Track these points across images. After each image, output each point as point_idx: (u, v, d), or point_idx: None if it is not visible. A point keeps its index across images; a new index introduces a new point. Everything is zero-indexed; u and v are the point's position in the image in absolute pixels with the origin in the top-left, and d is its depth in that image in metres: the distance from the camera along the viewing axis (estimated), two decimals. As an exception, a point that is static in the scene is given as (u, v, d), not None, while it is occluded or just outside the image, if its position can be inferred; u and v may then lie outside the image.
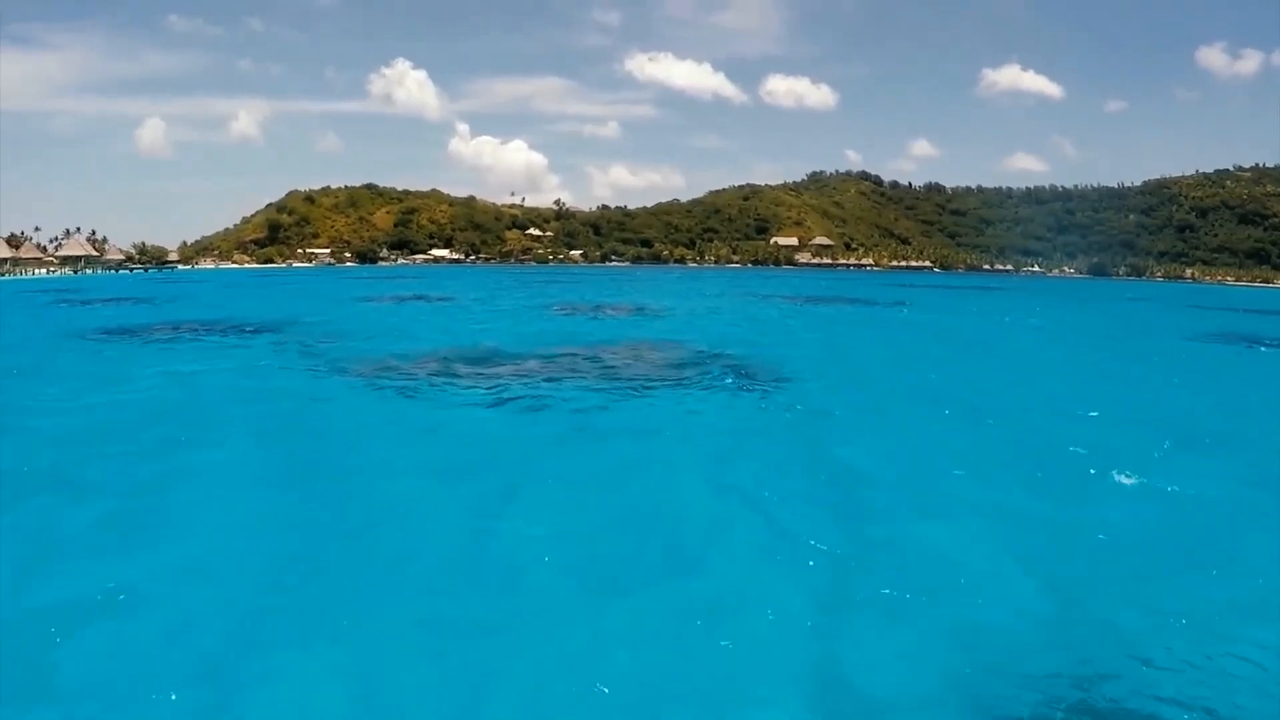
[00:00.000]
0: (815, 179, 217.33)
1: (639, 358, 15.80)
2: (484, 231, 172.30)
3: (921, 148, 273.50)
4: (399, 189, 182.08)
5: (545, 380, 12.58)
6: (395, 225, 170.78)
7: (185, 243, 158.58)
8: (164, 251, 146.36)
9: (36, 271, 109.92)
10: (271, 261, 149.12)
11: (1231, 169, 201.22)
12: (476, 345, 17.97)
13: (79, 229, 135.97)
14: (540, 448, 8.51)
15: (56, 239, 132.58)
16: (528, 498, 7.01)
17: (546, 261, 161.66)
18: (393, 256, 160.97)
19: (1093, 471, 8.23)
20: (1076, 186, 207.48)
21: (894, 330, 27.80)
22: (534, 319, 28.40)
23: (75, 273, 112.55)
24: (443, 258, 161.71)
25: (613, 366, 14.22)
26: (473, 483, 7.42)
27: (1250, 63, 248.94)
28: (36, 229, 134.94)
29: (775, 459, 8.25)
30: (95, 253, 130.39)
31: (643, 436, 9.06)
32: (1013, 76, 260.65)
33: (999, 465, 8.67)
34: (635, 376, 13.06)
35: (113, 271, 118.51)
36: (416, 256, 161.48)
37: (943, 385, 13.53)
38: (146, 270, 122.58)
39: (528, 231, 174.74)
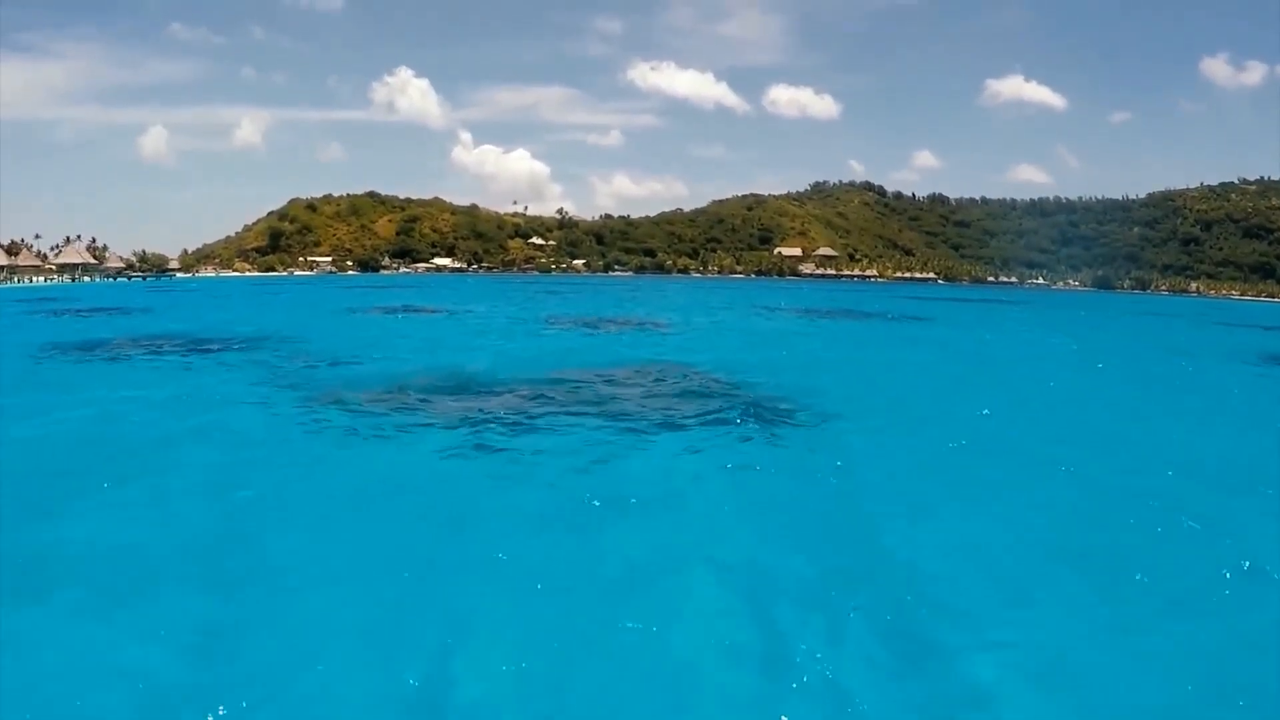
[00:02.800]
0: (818, 189, 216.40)
1: (643, 388, 13.54)
2: (486, 240, 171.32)
3: (924, 158, 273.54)
4: (401, 197, 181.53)
5: (528, 419, 10.43)
6: (397, 234, 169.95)
7: (186, 251, 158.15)
8: (164, 259, 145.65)
9: (35, 279, 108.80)
10: (273, 269, 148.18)
11: (1236, 181, 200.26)
12: (458, 369, 15.82)
13: (79, 236, 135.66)
14: (509, 535, 6.30)
15: (57, 246, 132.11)
16: (487, 637, 4.74)
17: (549, 271, 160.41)
18: (395, 265, 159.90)
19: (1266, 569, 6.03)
20: (1080, 198, 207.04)
21: (924, 351, 24.84)
22: (529, 335, 26.28)
23: (73, 280, 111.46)
24: (445, 266, 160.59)
25: (612, 401, 11.98)
26: (413, 606, 5.14)
27: (1254, 74, 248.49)
28: (37, 236, 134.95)
29: (822, 558, 5.98)
30: (94, 260, 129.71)
31: (649, 516, 6.76)
32: (1016, 87, 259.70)
33: (1120, 561, 6.43)
34: (638, 415, 10.87)
35: (111, 279, 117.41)
36: (419, 265, 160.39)
37: (1006, 430, 11.22)
38: (145, 278, 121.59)
39: (530, 240, 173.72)
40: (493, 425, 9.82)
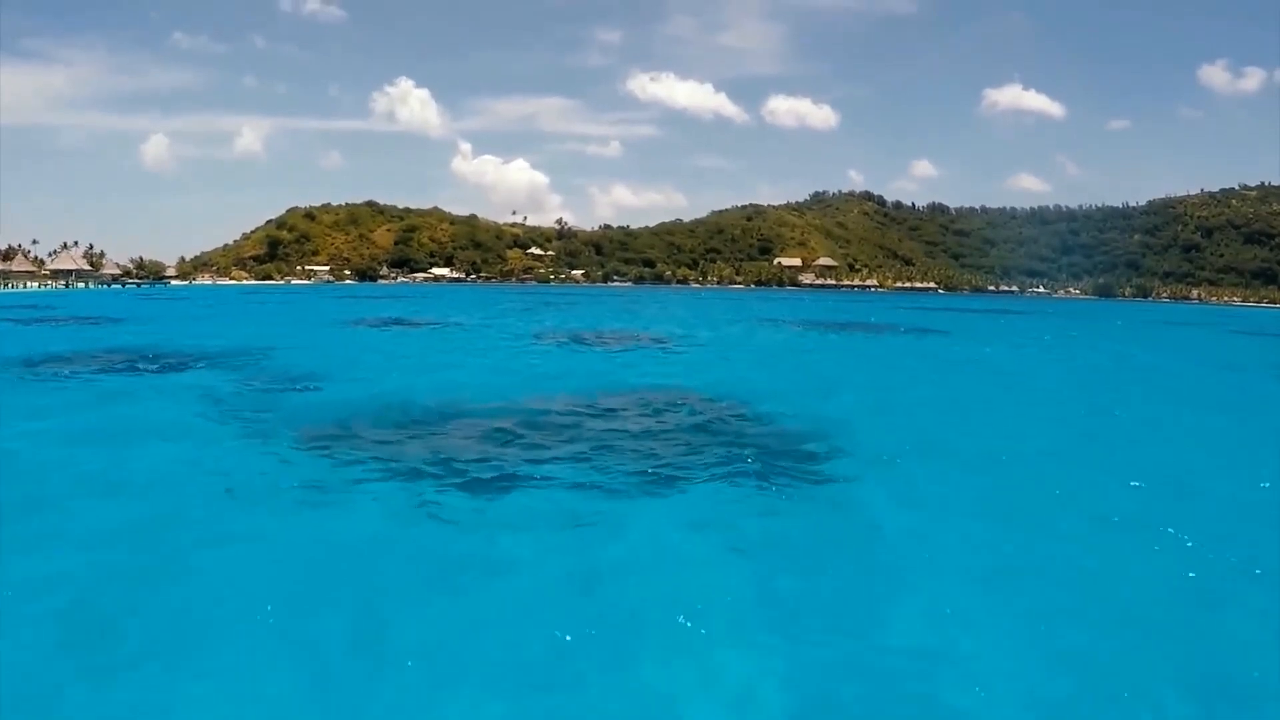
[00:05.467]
0: (818, 199, 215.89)
1: (641, 424, 11.51)
2: (485, 250, 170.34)
3: (923, 168, 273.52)
4: (400, 207, 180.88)
5: (497, 472, 8.42)
6: (395, 243, 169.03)
7: (183, 258, 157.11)
8: (161, 267, 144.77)
9: (29, 284, 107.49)
10: (270, 278, 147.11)
11: (1237, 187, 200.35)
12: (429, 397, 13.85)
13: (76, 243, 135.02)
14: (441, 696, 4.33)
15: (55, 252, 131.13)
16: None
17: (548, 281, 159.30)
18: (393, 275, 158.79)
19: None
20: (1080, 207, 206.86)
21: (955, 373, 21.85)
22: (518, 354, 24.30)
23: (67, 286, 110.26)
24: (443, 276, 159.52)
25: (603, 443, 9.90)
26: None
27: (1252, 80, 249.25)
28: (34, 242, 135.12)
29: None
30: (89, 267, 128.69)
31: (647, 656, 4.66)
32: (1014, 95, 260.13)
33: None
34: (634, 465, 8.87)
35: (105, 286, 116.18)
36: (417, 275, 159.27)
37: (1082, 482, 9.01)
38: (140, 286, 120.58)
39: (529, 251, 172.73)
40: (450, 481, 7.87)
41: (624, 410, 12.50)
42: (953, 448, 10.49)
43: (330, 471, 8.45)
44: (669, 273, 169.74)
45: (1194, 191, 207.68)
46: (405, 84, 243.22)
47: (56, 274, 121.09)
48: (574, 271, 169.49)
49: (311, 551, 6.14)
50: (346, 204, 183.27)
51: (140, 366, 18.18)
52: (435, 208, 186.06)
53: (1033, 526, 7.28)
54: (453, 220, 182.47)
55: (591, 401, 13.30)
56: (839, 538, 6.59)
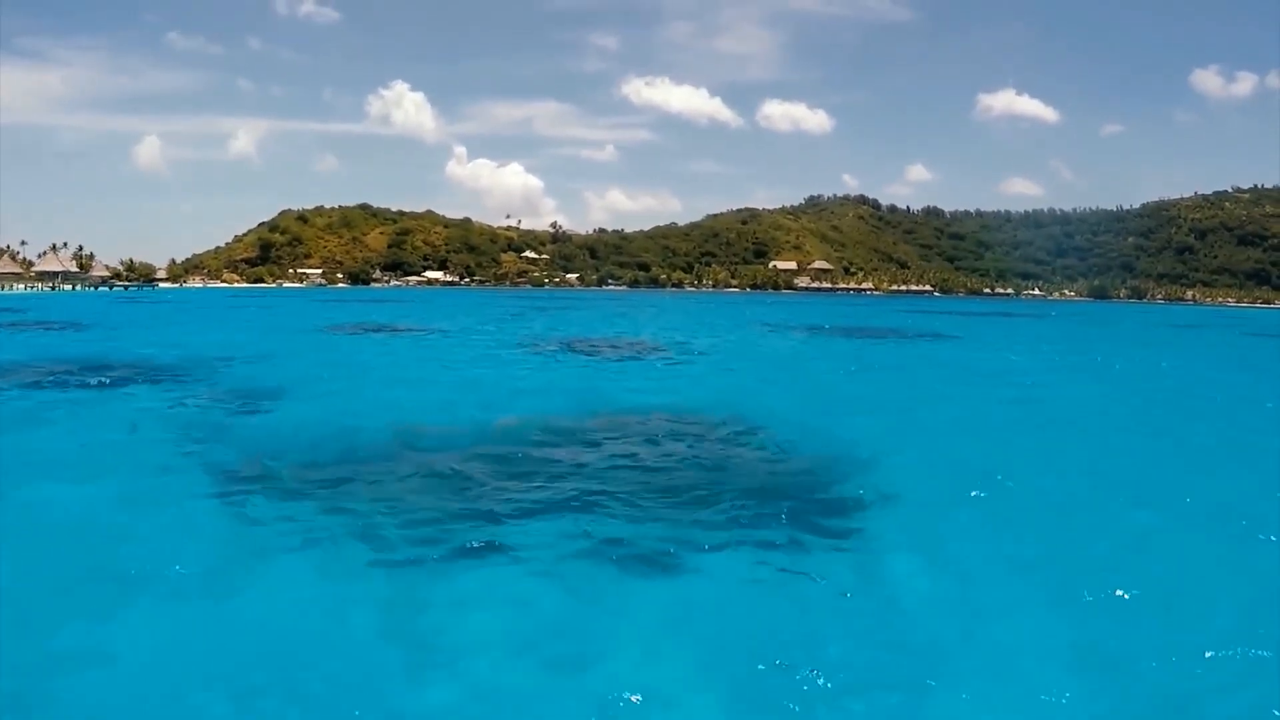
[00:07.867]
0: (813, 203, 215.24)
1: (634, 460, 9.58)
2: (479, 254, 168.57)
3: (917, 172, 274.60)
4: (393, 210, 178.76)
5: (451, 529, 6.56)
6: (389, 246, 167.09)
7: (174, 260, 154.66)
8: (151, 269, 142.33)
9: (15, 286, 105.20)
10: (262, 281, 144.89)
11: (1230, 190, 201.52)
12: (391, 421, 11.98)
13: (65, 244, 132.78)
14: None
15: (44, 253, 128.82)
16: None
17: (542, 284, 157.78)
18: (385, 278, 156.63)
19: None
20: (1075, 210, 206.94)
21: (982, 387, 19.54)
22: (499, 365, 22.35)
23: (53, 289, 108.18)
24: (437, 280, 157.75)
25: (586, 489, 7.84)
26: None
27: (1245, 84, 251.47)
28: (23, 243, 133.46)
29: None
30: (78, 268, 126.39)
31: None
32: (1008, 100, 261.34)
33: None
34: (625, 525, 6.93)
35: (93, 288, 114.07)
36: (410, 278, 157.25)
37: (1193, 539, 6.82)
38: (127, 288, 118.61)
39: (524, 254, 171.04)
40: (386, 557, 5.96)
41: (616, 440, 10.64)
42: (1010, 492, 8.68)
43: (239, 534, 6.61)
44: (664, 276, 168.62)
45: (1187, 194, 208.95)
46: (400, 87, 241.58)
47: (43, 275, 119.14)
48: (568, 275, 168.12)
49: (176, 676, 4.30)
50: (339, 206, 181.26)
51: (76, 380, 16.31)
52: (429, 211, 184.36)
53: (1145, 616, 5.50)
54: (447, 223, 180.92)
55: (578, 427, 11.44)
56: (901, 657, 4.74)
